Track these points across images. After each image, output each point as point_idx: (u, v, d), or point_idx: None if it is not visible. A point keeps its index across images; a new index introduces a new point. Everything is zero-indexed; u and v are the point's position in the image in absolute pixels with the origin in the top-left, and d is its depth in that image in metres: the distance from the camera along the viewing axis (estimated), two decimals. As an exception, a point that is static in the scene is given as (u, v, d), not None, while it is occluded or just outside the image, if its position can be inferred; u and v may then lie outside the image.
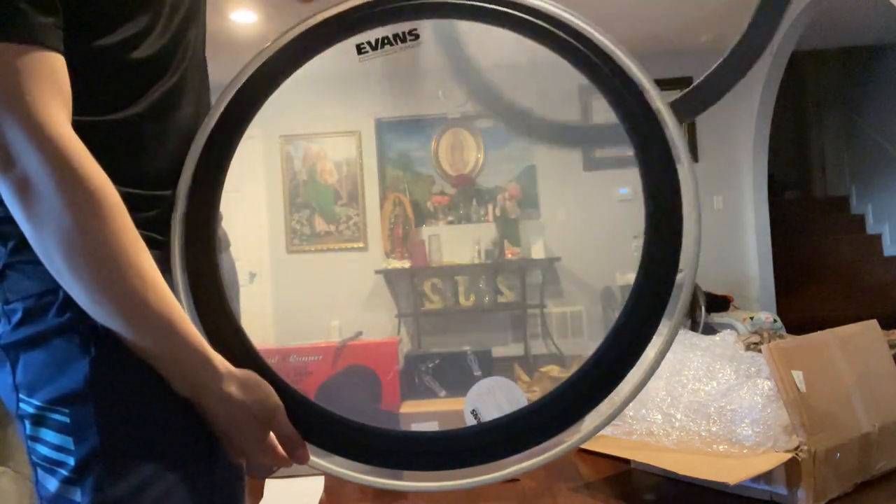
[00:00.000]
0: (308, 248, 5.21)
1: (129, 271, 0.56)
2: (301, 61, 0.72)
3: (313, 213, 5.22)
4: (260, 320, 5.06)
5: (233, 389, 0.60)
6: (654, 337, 0.67)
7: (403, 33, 0.75)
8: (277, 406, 0.61)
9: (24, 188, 0.54)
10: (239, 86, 0.71)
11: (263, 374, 0.64)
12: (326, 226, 5.23)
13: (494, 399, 0.67)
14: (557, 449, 0.66)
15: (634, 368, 0.67)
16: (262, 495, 2.32)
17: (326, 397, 2.52)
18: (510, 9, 0.72)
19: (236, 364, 0.62)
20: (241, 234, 5.05)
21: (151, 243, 0.63)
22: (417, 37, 0.76)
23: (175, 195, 0.67)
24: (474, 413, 0.67)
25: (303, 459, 0.63)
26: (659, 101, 0.69)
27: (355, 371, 2.52)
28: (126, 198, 0.59)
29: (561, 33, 0.73)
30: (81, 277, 0.56)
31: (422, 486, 0.67)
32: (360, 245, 5.20)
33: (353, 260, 5.16)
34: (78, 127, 0.58)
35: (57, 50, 0.56)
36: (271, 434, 0.62)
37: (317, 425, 0.65)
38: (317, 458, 0.66)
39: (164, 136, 0.68)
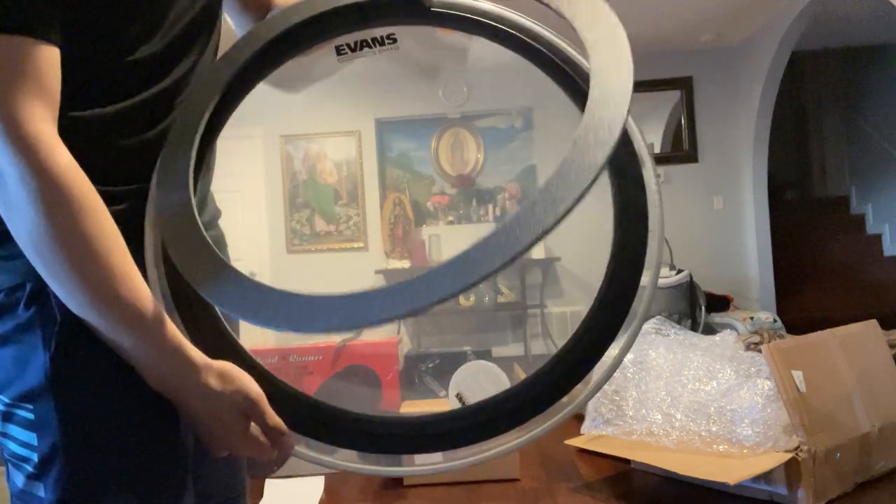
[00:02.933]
0: (308, 248, 5.21)
1: (98, 265, 0.56)
2: (277, 64, 0.74)
3: (313, 213, 5.22)
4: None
5: (211, 380, 0.59)
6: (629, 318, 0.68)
7: (382, 37, 0.77)
8: (258, 395, 0.60)
9: None
10: (227, 79, 0.71)
11: (246, 364, 0.63)
12: (326, 226, 5.23)
13: (479, 383, 0.68)
14: (541, 428, 0.66)
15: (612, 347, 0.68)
16: (262, 495, 2.32)
17: (326, 397, 2.51)
18: (476, 16, 0.75)
19: (218, 357, 0.62)
20: (241, 234, 5.05)
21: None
22: (395, 41, 0.77)
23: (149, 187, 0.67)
24: (459, 397, 0.68)
25: (287, 448, 0.62)
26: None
27: (355, 371, 2.52)
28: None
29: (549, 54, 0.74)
30: (49, 269, 0.56)
31: (416, 469, 0.66)
32: (360, 245, 5.20)
33: (353, 260, 5.16)
34: (68, 122, 0.58)
35: (49, 41, 0.56)
36: (253, 425, 0.61)
37: (307, 415, 0.65)
38: (305, 450, 0.65)
39: (145, 139, 0.67)
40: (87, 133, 0.62)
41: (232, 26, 0.93)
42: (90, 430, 0.59)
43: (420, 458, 0.64)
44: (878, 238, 5.58)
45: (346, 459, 0.66)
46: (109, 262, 0.57)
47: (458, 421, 0.66)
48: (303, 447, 0.64)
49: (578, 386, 0.66)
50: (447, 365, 2.51)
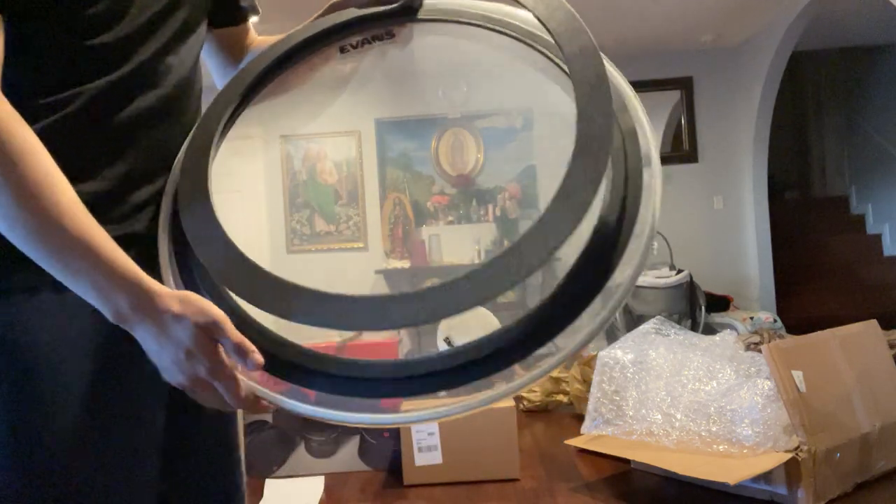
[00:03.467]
0: (308, 248, 5.21)
1: (42, 203, 0.57)
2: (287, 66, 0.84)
3: (313, 213, 5.22)
4: (259, 320, 5.06)
5: (172, 305, 0.60)
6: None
7: (381, 34, 0.83)
8: (220, 315, 0.60)
9: None
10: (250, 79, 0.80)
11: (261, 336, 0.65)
12: (326, 226, 5.23)
13: (467, 326, 0.67)
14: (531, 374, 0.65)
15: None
16: (262, 495, 2.33)
17: (326, 398, 2.51)
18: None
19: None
20: (241, 234, 5.04)
21: None
22: (393, 35, 0.84)
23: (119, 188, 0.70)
24: (447, 340, 0.68)
25: (256, 364, 0.61)
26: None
27: (355, 371, 2.51)
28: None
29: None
30: None
31: (400, 417, 0.64)
32: (360, 245, 5.20)
33: (353, 260, 5.16)
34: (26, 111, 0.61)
35: None
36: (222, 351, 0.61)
37: (286, 360, 0.66)
38: (280, 396, 0.64)
39: (96, 130, 0.69)
40: (44, 118, 0.65)
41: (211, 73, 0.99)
42: (31, 436, 0.63)
43: (406, 407, 0.64)
44: (878, 238, 5.58)
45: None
46: (55, 199, 0.58)
47: (438, 363, 0.65)
48: (281, 394, 0.64)
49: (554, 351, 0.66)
50: (447, 365, 2.51)
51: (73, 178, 0.62)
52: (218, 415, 0.78)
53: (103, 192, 0.68)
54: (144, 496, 0.69)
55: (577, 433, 2.49)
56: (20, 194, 0.57)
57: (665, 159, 5.21)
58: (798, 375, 1.92)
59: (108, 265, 0.59)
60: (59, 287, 0.60)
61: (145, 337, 0.60)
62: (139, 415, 0.70)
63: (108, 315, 0.60)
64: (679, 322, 4.26)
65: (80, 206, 0.60)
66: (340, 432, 2.51)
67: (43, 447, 0.63)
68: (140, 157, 0.72)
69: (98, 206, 0.63)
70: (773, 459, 1.84)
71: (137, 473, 0.69)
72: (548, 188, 5.21)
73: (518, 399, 3.29)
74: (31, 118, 0.61)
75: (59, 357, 0.64)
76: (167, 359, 0.59)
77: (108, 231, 0.61)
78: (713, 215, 5.23)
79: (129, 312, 0.59)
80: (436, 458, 2.30)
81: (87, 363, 0.65)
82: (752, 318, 4.34)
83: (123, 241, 0.63)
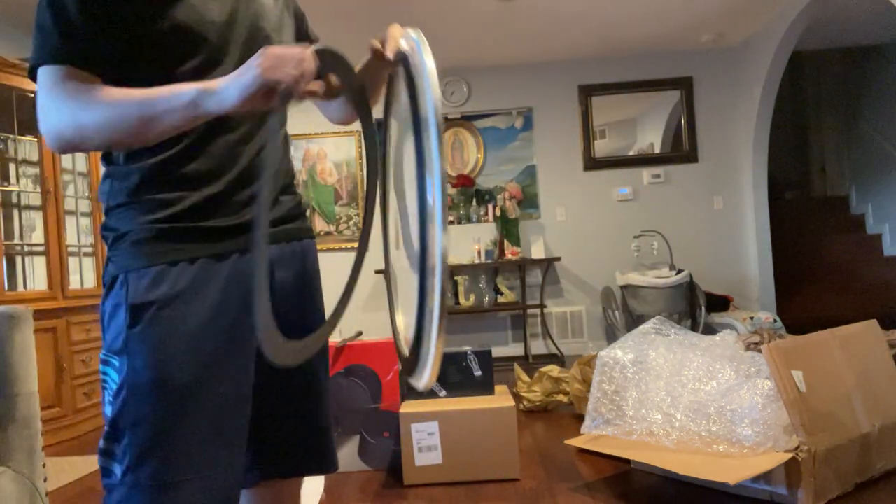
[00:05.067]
0: (308, 248, 5.20)
1: (135, 105, 0.82)
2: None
3: (313, 213, 5.22)
4: (260, 320, 5.06)
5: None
6: None
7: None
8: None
9: None
10: None
11: None
12: (326, 226, 5.23)
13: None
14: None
15: None
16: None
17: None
18: None
19: None
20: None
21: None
22: None
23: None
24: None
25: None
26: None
27: (355, 371, 2.52)
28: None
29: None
30: (140, 137, 0.84)
31: None
32: (360, 245, 5.20)
33: (353, 260, 5.15)
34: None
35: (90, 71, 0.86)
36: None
37: None
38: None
39: (202, 157, 0.96)
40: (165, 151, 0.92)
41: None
42: (139, 384, 0.86)
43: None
44: (878, 238, 5.59)
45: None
46: (140, 97, 0.83)
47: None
48: None
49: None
50: (447, 365, 2.52)
51: (195, 187, 0.91)
52: (303, 373, 1.09)
53: (218, 193, 0.93)
54: (242, 407, 0.94)
55: (577, 433, 2.49)
56: (123, 112, 0.82)
57: (665, 159, 5.22)
58: (798, 375, 1.92)
59: (209, 87, 0.81)
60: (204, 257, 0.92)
61: (232, 78, 0.81)
62: (241, 362, 0.94)
63: (241, 105, 0.79)
64: (679, 322, 4.26)
65: (124, 93, 0.83)
66: (340, 433, 2.51)
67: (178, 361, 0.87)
68: (242, 167, 0.97)
69: (213, 204, 0.93)
70: (773, 459, 1.84)
71: (237, 393, 0.93)
72: (548, 188, 5.22)
73: (518, 399, 3.29)
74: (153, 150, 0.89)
75: (200, 315, 0.90)
76: (251, 72, 0.78)
77: (222, 221, 0.94)
78: (713, 215, 5.23)
79: (240, 86, 0.79)
80: (436, 458, 2.30)
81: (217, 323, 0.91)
82: (752, 318, 4.34)
83: (238, 229, 0.95)
